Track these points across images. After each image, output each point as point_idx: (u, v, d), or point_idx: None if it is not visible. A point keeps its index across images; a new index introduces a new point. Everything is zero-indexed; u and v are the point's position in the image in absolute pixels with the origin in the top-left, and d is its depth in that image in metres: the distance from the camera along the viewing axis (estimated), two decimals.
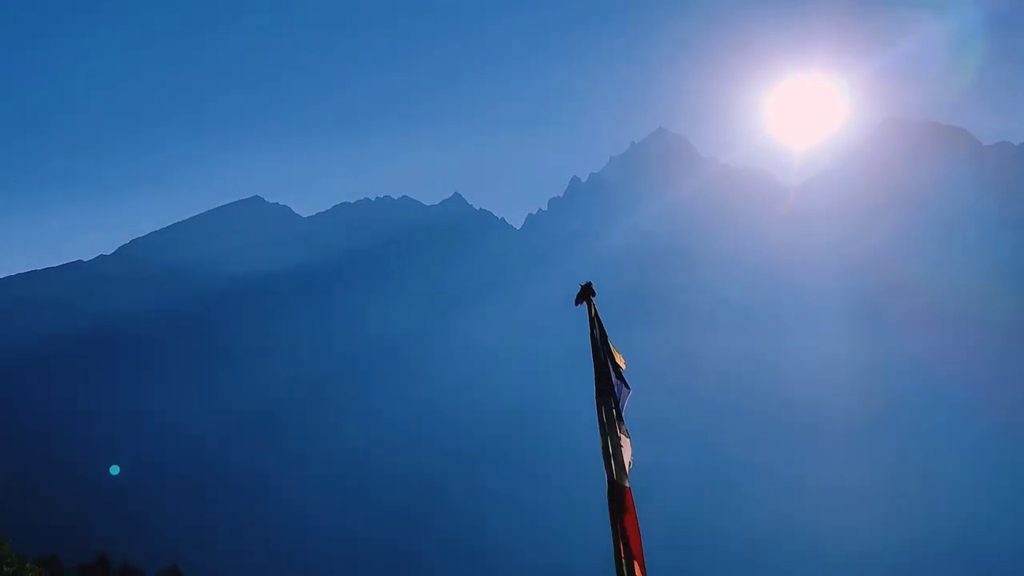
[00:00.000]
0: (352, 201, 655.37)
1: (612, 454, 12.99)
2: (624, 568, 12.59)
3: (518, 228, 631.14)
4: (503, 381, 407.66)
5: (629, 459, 13.41)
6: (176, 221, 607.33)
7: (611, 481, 12.79)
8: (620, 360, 14.50)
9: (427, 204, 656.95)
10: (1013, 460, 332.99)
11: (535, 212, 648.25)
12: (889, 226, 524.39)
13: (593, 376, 13.79)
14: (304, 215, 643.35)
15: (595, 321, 14.18)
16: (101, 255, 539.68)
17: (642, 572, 12.85)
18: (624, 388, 14.14)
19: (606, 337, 14.24)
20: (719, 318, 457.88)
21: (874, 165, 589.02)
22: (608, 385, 13.64)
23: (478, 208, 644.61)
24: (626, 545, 12.55)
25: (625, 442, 13.51)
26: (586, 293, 14.28)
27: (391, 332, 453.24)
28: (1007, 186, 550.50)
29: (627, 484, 12.98)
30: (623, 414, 13.79)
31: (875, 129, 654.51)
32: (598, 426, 13.31)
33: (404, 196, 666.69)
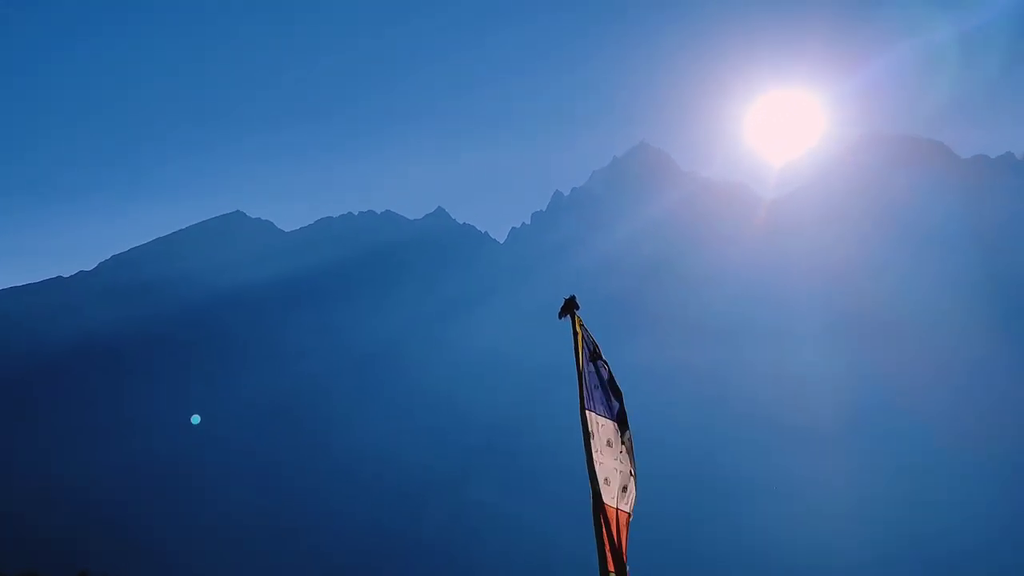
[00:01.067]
0: (335, 216, 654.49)
1: (594, 468, 12.97)
2: None
3: (502, 242, 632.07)
4: (491, 393, 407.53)
5: (608, 476, 13.07)
6: (156, 237, 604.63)
7: (594, 495, 12.71)
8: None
9: (411, 218, 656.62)
10: (980, 468, 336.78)
11: (519, 226, 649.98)
12: (868, 238, 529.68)
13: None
14: (287, 229, 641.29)
15: (578, 334, 14.00)
16: (82, 271, 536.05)
17: None
18: (615, 402, 13.84)
19: (596, 348, 14.02)
20: (702, 329, 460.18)
21: (853, 178, 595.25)
22: (590, 399, 13.46)
23: (461, 222, 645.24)
24: (602, 559, 12.56)
25: (608, 458, 13.09)
26: (570, 306, 14.11)
27: (376, 345, 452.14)
28: (985, 198, 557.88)
29: (607, 502, 12.92)
30: (620, 433, 13.57)
31: (854, 143, 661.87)
32: (583, 439, 13.24)
33: (387, 210, 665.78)
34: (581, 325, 14.06)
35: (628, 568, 12.70)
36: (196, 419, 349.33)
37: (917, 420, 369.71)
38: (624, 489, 13.42)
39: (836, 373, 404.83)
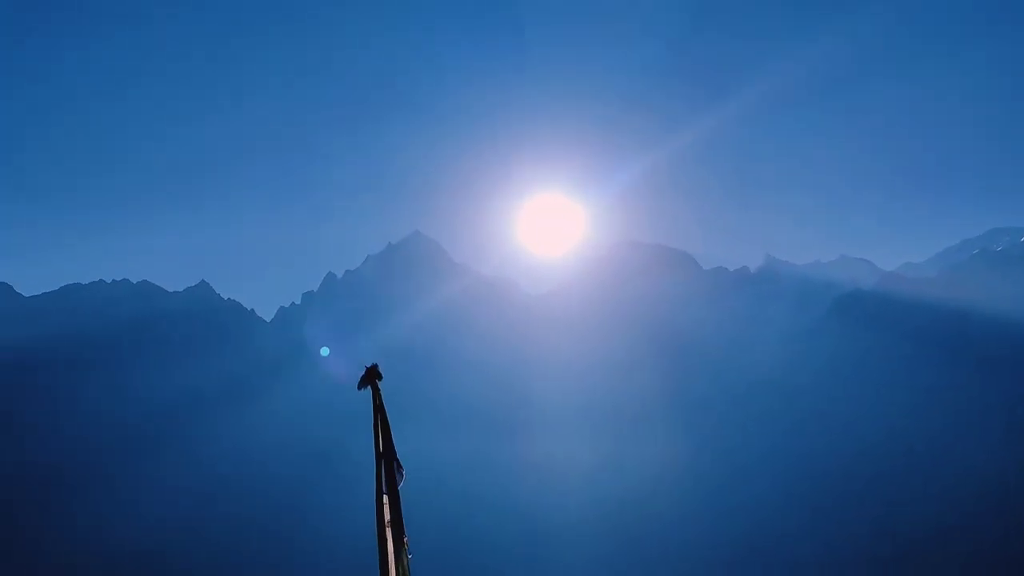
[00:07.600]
0: (84, 282, 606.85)
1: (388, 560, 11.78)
2: None
3: (268, 320, 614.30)
4: (249, 486, 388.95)
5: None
6: None
7: None
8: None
9: (170, 290, 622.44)
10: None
11: (287, 305, 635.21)
12: (619, 337, 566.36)
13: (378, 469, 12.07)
14: (27, 294, 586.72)
15: (380, 408, 11.73)
16: None
17: None
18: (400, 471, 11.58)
19: (387, 424, 11.90)
20: (466, 419, 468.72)
21: (608, 280, 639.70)
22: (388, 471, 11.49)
23: (226, 297, 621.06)
24: None
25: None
26: (371, 376, 11.82)
27: (124, 425, 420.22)
28: (722, 306, 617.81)
29: None
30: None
31: (610, 248, 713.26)
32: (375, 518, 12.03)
33: (144, 280, 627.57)
34: (380, 396, 11.96)
35: None
36: None
37: (662, 509, 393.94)
38: None
39: (592, 464, 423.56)
